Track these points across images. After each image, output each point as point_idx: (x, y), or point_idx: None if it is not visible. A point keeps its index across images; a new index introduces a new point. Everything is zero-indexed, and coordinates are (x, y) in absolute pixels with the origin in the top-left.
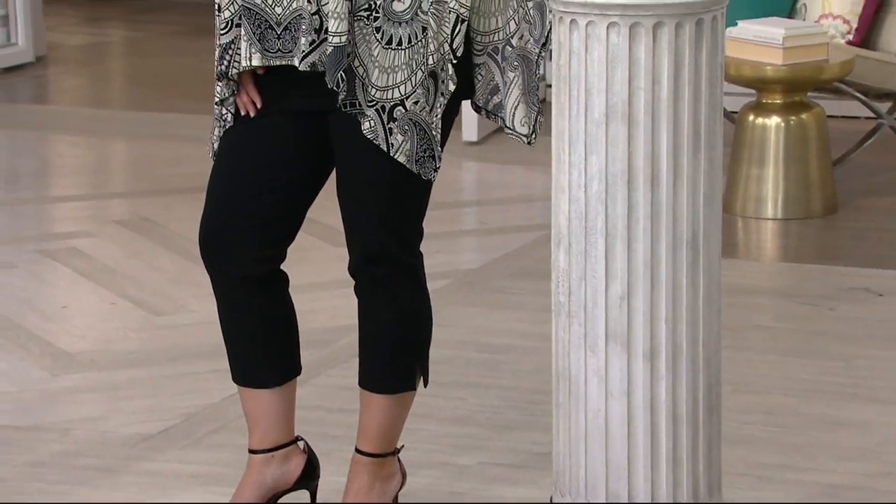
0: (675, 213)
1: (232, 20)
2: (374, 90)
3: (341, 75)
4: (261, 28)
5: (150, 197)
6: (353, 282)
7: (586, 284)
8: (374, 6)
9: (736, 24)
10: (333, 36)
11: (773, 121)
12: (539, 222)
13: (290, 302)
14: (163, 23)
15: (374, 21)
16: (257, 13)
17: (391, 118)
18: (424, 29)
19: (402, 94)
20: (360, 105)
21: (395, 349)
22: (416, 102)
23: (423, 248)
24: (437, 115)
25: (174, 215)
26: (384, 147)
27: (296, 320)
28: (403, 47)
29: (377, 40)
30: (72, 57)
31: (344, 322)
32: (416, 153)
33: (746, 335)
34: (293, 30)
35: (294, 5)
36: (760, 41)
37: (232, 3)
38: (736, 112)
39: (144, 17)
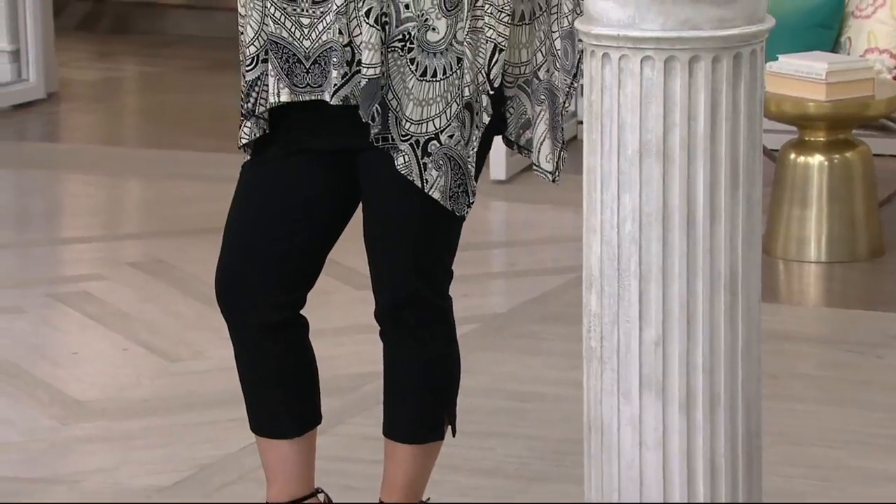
0: (713, 255)
1: (258, 55)
2: (408, 124)
3: (377, 108)
4: (289, 62)
5: (164, 238)
6: (377, 326)
7: (619, 329)
8: (408, 37)
9: (776, 58)
10: (367, 68)
11: (816, 159)
12: (570, 264)
13: (310, 348)
14: (178, 57)
15: (409, 52)
16: (284, 47)
17: (425, 153)
18: (460, 60)
19: (437, 127)
20: (393, 140)
21: (423, 397)
22: (451, 136)
23: (450, 291)
24: (472, 149)
25: (190, 257)
26: (418, 183)
27: (316, 367)
28: (438, 79)
29: (412, 72)
30: (84, 93)
31: (368, 368)
32: (451, 189)
33: (788, 383)
34: (322, 63)
35: (324, 38)
36: (802, 76)
37: (257, 38)
38: (777, 150)
39: (159, 51)
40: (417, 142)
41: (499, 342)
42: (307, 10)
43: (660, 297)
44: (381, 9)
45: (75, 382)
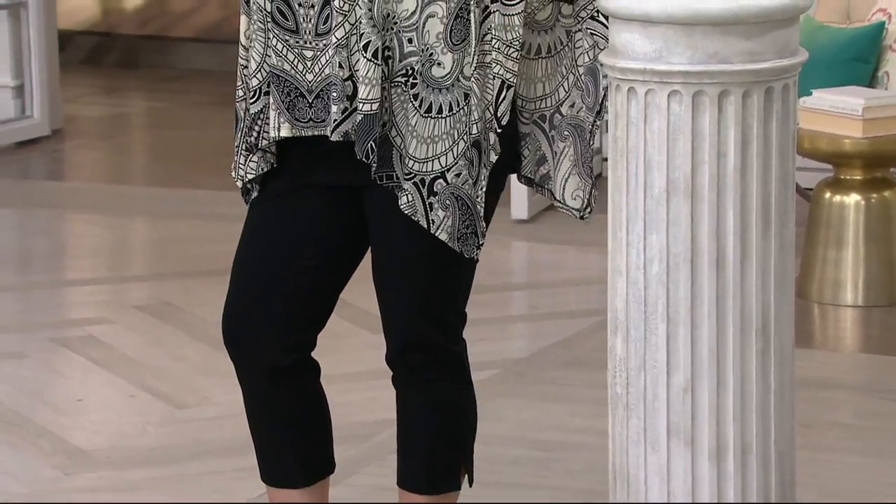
0: (744, 298)
1: (260, 88)
2: (412, 162)
3: (371, 146)
4: (290, 96)
5: (172, 280)
6: (390, 372)
7: (646, 375)
8: (411, 72)
9: (810, 93)
10: (363, 103)
11: (853, 198)
12: (594, 307)
13: (321, 393)
14: (188, 92)
15: (412, 88)
16: (287, 80)
17: (431, 192)
18: (467, 96)
19: (443, 165)
20: (397, 178)
21: (437, 445)
22: (458, 175)
23: (467, 334)
24: (481, 189)
25: (199, 299)
26: (423, 223)
27: (328, 414)
28: (444, 116)
29: (415, 108)
30: (90, 129)
31: (381, 415)
32: (459, 230)
33: (823, 433)
34: (325, 98)
35: (326, 71)
36: (838, 112)
37: (260, 70)
38: (811, 189)
39: (168, 86)
40: (423, 181)
41: (520, 388)
42: (310, 43)
43: (688, 341)
44: (383, 42)
45: (79, 430)
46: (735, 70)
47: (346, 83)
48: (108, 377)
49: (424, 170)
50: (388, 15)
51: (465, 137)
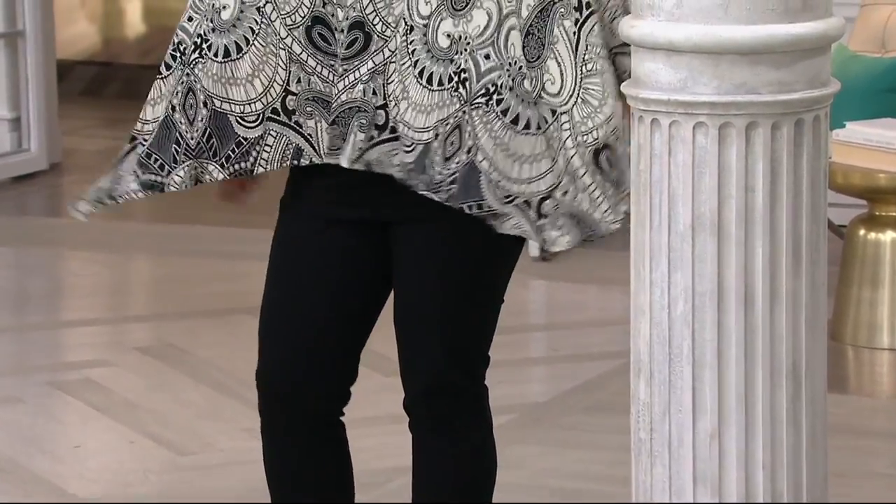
0: (773, 340)
1: (263, 113)
2: (510, 184)
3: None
4: (314, 122)
5: (175, 321)
6: (405, 416)
7: (671, 420)
8: (494, 88)
9: (843, 125)
10: (422, 132)
11: (889, 236)
12: (616, 349)
13: (349, 453)
14: None
15: (499, 104)
16: (315, 106)
17: (540, 214)
18: (554, 112)
19: (550, 184)
20: (489, 207)
21: (455, 493)
22: (565, 193)
23: (485, 377)
24: (596, 200)
25: (203, 341)
26: (537, 242)
27: (352, 474)
28: (539, 131)
29: (506, 125)
30: (89, 163)
31: (394, 462)
32: (580, 240)
33: (859, 483)
34: (342, 124)
35: (343, 97)
36: (872, 145)
37: (266, 95)
38: (844, 226)
39: None
40: (527, 202)
41: (539, 434)
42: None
43: (715, 384)
44: (457, 66)
45: (77, 479)
46: (764, 101)
47: (378, 112)
48: (107, 423)
49: (529, 191)
50: (461, 37)
51: (563, 153)
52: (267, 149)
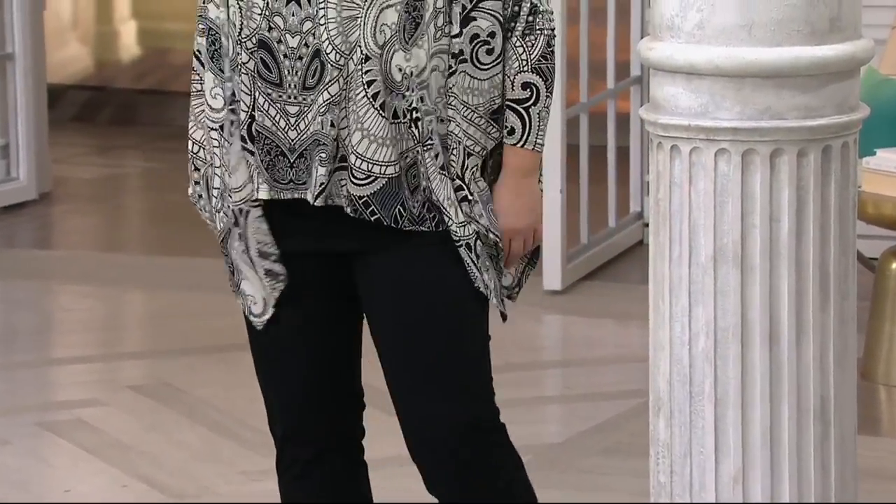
0: (800, 378)
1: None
2: (454, 226)
3: (399, 211)
4: (270, 154)
5: (170, 358)
6: (408, 457)
7: (692, 462)
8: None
9: (874, 153)
10: (385, 166)
11: None
12: (635, 387)
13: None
14: (185, 152)
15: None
16: (267, 137)
17: (477, 254)
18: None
19: (483, 227)
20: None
21: None
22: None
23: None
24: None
25: (199, 379)
26: (482, 289)
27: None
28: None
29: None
30: (80, 192)
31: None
32: (498, 288)
33: None
34: (308, 158)
35: (312, 129)
36: None
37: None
38: (875, 259)
39: (166, 144)
40: (469, 245)
41: (554, 477)
42: (295, 98)
43: (739, 425)
44: (409, 104)
45: None
46: (789, 126)
47: (334, 143)
48: (98, 465)
49: (465, 233)
50: (411, 73)
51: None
52: (241, 176)
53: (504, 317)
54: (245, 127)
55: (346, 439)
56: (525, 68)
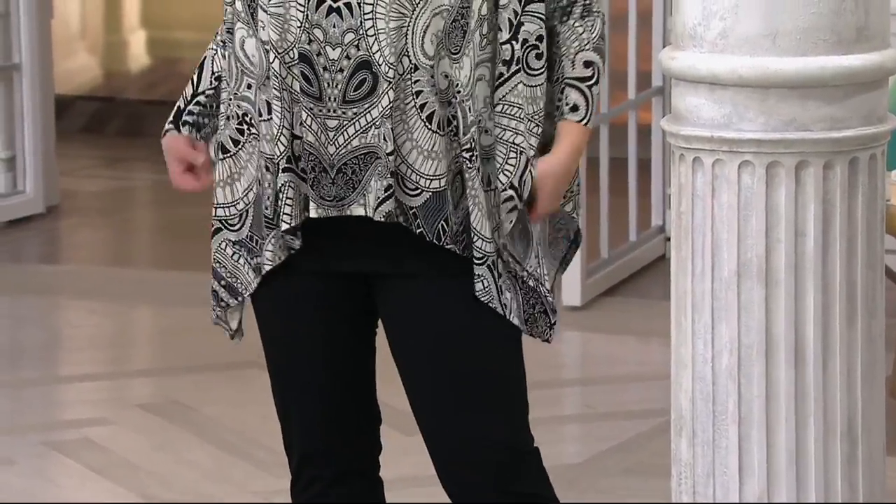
0: (826, 396)
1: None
2: (481, 242)
3: (442, 226)
4: (315, 171)
5: (180, 375)
6: (434, 475)
7: (715, 483)
8: (474, 144)
9: None
10: (431, 179)
11: None
12: (656, 406)
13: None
14: None
15: (477, 160)
16: (311, 153)
17: (499, 273)
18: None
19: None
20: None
21: None
22: (512, 254)
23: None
24: (537, 266)
25: (209, 397)
26: (499, 309)
27: None
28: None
29: (480, 182)
30: (89, 206)
31: None
32: (525, 311)
33: None
34: (348, 173)
35: (353, 143)
36: None
37: (277, 144)
38: None
39: None
40: (494, 262)
41: (573, 497)
42: (335, 112)
43: (763, 444)
44: (449, 113)
45: None
46: (815, 138)
47: (389, 157)
48: (106, 485)
49: (488, 250)
50: (454, 83)
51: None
52: (289, 201)
53: (545, 338)
54: (286, 148)
55: (366, 458)
56: (587, 47)
